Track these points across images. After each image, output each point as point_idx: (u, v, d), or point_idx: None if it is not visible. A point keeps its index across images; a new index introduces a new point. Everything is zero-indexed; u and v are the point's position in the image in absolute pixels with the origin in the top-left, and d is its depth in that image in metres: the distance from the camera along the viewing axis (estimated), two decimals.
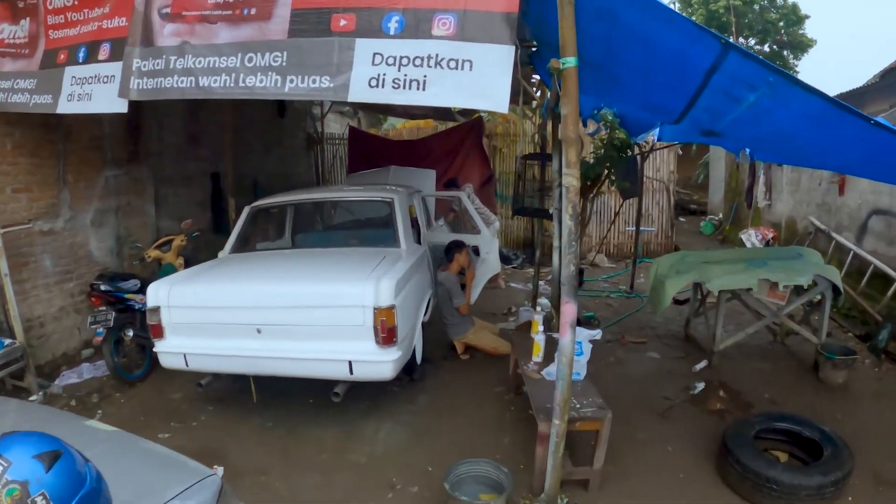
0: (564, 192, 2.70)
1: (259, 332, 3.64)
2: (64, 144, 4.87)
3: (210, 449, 3.56)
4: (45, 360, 4.68)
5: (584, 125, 8.02)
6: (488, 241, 5.90)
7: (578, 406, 3.09)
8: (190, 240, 5.67)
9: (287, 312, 3.61)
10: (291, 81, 2.98)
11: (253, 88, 3.08)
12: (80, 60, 3.58)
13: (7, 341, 4.09)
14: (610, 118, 6.10)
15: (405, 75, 2.80)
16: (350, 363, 3.55)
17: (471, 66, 2.72)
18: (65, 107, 3.67)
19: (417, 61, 2.78)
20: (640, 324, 6.19)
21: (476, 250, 5.73)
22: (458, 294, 4.90)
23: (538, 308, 6.68)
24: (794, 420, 3.39)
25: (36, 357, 4.58)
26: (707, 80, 2.84)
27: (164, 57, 3.21)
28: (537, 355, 3.72)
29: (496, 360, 4.93)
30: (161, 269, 5.32)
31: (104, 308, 4.35)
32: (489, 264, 5.88)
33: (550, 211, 6.07)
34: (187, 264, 5.38)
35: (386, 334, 3.50)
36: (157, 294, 3.76)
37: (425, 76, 2.78)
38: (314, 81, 2.95)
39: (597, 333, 3.60)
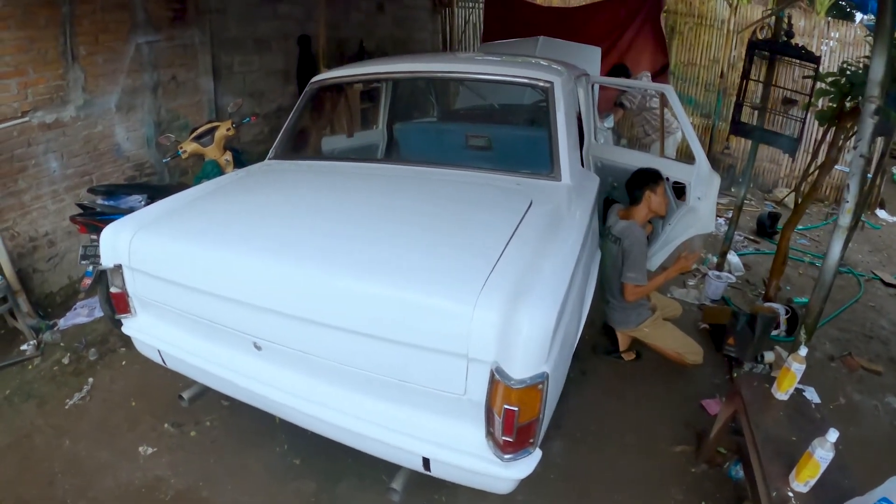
0: None
1: (258, 348, 1.97)
2: (70, 6, 3.48)
3: (196, 496, 2.32)
4: (59, 285, 3.76)
5: (864, 11, 4.97)
6: (705, 178, 3.11)
7: None
8: (241, 127, 4.21)
9: (302, 328, 1.80)
10: None
11: None
12: None
13: None
14: None
15: None
16: (426, 461, 1.73)
17: None
18: None
19: None
20: (856, 323, 3.97)
21: (675, 189, 3.26)
22: (640, 265, 2.78)
23: (727, 270, 4.37)
24: None
25: (48, 283, 3.68)
26: None
27: None
28: (805, 482, 1.66)
29: (676, 371, 3.12)
30: (202, 170, 4.00)
31: (95, 238, 3.16)
32: (699, 218, 3.17)
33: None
34: (237, 162, 4.00)
35: (514, 437, 1.57)
36: (115, 245, 2.18)
37: None
38: None
39: None
